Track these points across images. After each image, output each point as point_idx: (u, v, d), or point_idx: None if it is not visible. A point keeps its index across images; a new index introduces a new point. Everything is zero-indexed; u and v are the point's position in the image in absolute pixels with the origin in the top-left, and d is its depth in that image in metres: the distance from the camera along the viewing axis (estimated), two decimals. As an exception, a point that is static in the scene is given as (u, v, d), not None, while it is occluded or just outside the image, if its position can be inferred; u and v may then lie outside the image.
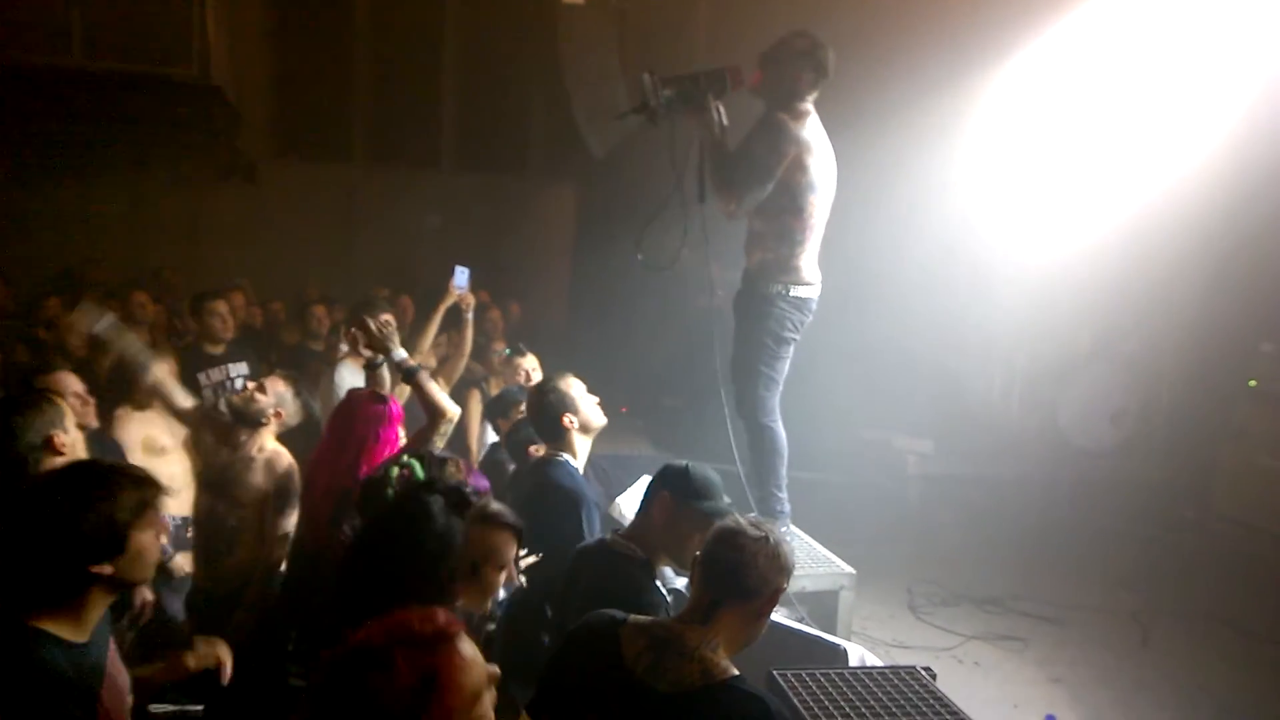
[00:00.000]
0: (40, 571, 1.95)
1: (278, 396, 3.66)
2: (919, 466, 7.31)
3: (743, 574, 2.11)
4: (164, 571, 3.84)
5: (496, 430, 4.65)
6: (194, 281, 7.47)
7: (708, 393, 4.22)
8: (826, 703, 2.66)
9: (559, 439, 3.48)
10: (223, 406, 3.94)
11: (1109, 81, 6.46)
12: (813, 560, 4.06)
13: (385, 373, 3.73)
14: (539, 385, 3.63)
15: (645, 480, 3.88)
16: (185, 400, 3.84)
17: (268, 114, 9.98)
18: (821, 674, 2.83)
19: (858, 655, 3.24)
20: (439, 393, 3.43)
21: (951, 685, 2.99)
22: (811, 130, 3.83)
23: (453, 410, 3.45)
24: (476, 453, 5.15)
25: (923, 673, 2.89)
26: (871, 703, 2.68)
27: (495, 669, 1.45)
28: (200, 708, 2.94)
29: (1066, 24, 6.33)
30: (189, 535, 3.91)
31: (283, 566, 3.59)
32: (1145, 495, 7.33)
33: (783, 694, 2.70)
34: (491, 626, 2.95)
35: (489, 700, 1.44)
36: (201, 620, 3.49)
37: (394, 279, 8.59)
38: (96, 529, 1.94)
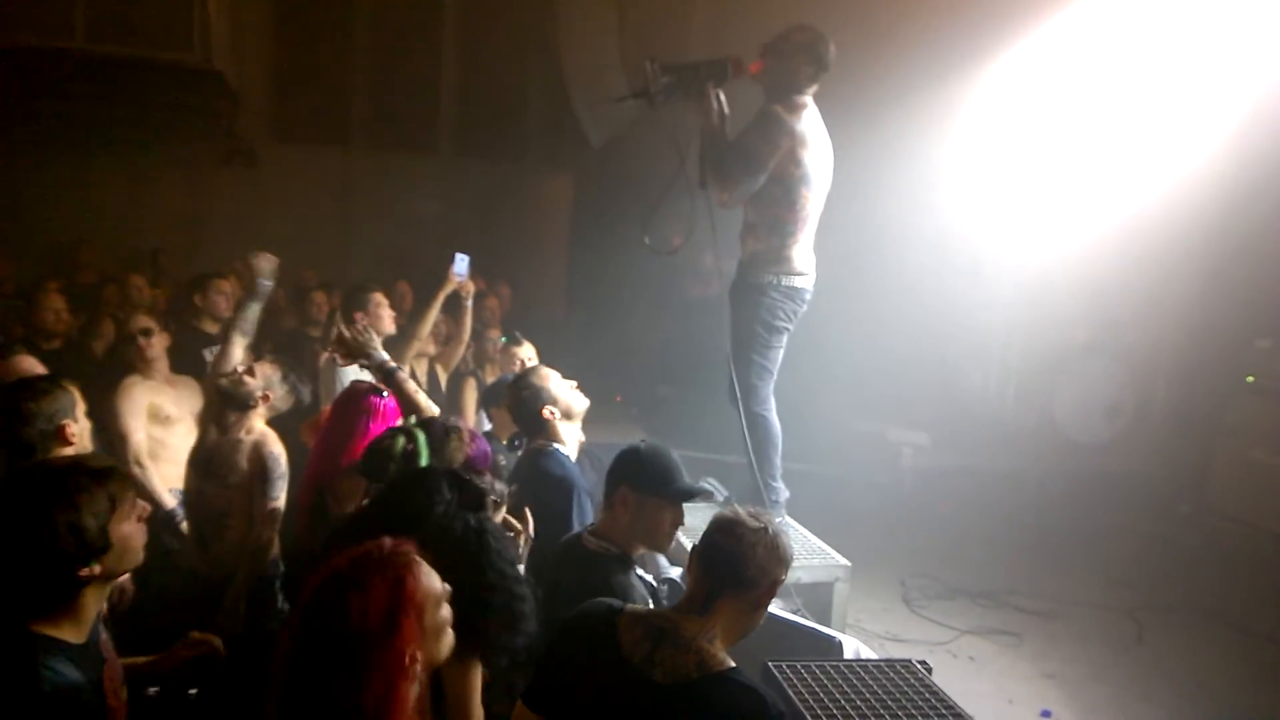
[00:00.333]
0: (31, 580, 1.94)
1: (266, 380, 3.65)
2: (914, 459, 7.31)
3: (741, 564, 2.10)
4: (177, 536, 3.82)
5: (490, 419, 4.65)
6: (192, 265, 7.45)
7: (702, 382, 4.22)
8: (821, 695, 2.66)
9: (544, 430, 3.48)
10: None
11: (1107, 77, 6.46)
12: (808, 552, 4.06)
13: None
14: (514, 383, 3.62)
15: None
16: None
17: (268, 99, 9.94)
18: (816, 666, 2.82)
19: (853, 648, 3.24)
20: (418, 393, 3.41)
21: (946, 679, 2.98)
22: (808, 123, 3.83)
23: (432, 411, 3.43)
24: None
25: (918, 666, 2.89)
26: (867, 695, 2.68)
27: (447, 585, 1.66)
28: (194, 690, 2.93)
29: (1066, 18, 6.31)
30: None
31: (275, 549, 3.58)
32: (1140, 490, 7.34)
33: (778, 686, 2.70)
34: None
35: (446, 610, 1.65)
36: (195, 601, 3.48)
37: (392, 264, 8.57)
38: (71, 539, 1.91)
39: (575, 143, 8.81)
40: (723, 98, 3.85)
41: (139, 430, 4.08)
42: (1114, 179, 6.71)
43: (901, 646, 4.98)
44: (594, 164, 9.03)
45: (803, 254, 3.94)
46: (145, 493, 3.83)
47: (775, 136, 3.77)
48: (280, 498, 3.58)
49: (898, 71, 6.49)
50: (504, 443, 4.37)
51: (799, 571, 3.86)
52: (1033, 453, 7.65)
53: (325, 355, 4.72)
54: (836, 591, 3.97)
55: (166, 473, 4.08)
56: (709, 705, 2.01)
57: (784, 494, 4.14)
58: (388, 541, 1.63)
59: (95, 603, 2.01)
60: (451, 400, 5.45)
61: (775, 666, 2.78)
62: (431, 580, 1.63)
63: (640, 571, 2.83)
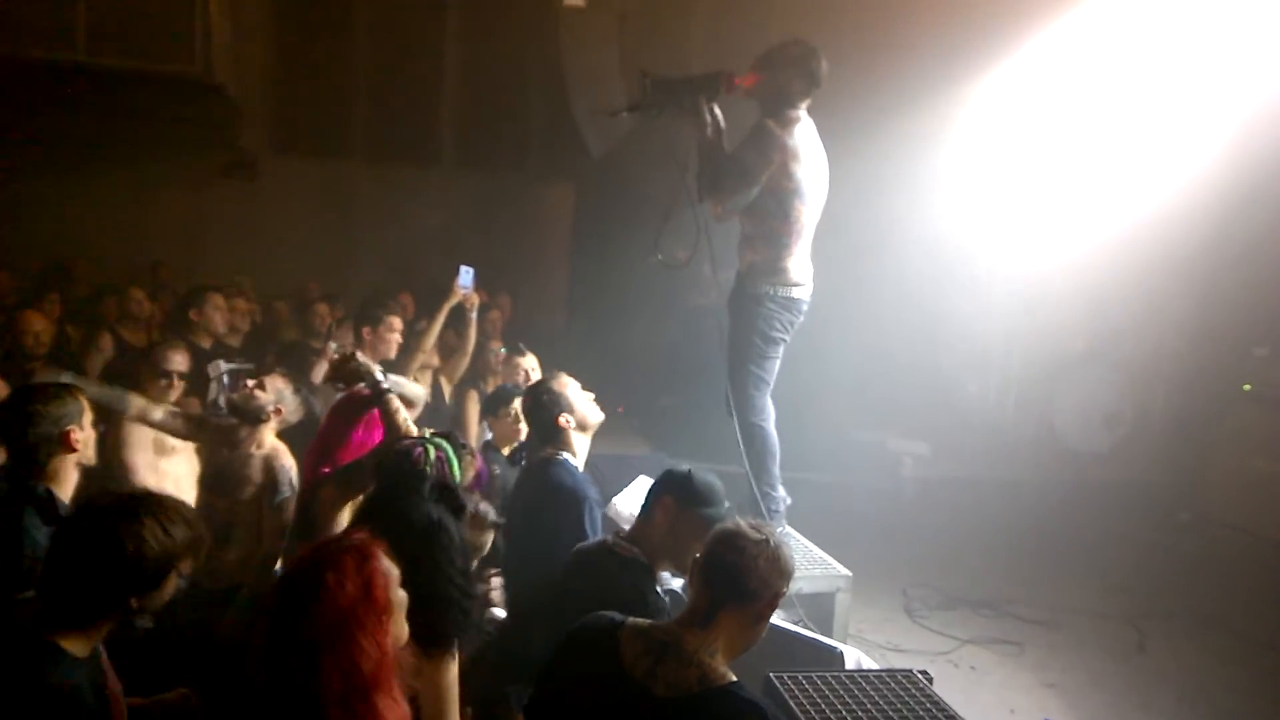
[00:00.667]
0: (81, 594, 1.99)
1: (277, 393, 3.68)
2: (914, 468, 7.32)
3: (743, 577, 2.10)
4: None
5: (490, 429, 4.67)
6: (193, 278, 7.47)
7: (704, 392, 4.24)
8: (823, 706, 2.67)
9: (557, 439, 3.49)
10: (222, 403, 3.93)
11: (1103, 85, 6.49)
12: (809, 562, 4.07)
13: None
14: (533, 387, 3.65)
15: (642, 480, 3.90)
16: (160, 414, 3.84)
17: (269, 111, 9.97)
18: (818, 677, 2.84)
19: (854, 658, 3.24)
20: (407, 422, 3.43)
21: (948, 689, 3.00)
22: (802, 137, 3.85)
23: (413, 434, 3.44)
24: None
25: (919, 676, 2.90)
26: (869, 706, 2.69)
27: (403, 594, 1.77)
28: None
29: (1063, 28, 6.35)
30: None
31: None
32: (1140, 498, 7.35)
33: (779, 697, 2.71)
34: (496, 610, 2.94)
35: (401, 592, 1.77)
36: (193, 615, 3.49)
37: (395, 276, 8.59)
38: (151, 566, 2.00)
39: (576, 152, 8.84)
40: (718, 112, 3.88)
41: (144, 465, 4.07)
42: (1111, 188, 6.74)
43: (903, 656, 4.97)
44: (595, 173, 9.06)
45: (799, 265, 3.96)
46: None
47: (767, 150, 3.80)
48: (289, 510, 3.58)
49: (895, 81, 6.53)
50: (503, 454, 4.40)
51: (800, 582, 3.86)
52: (1032, 461, 7.67)
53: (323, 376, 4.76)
54: (838, 601, 3.98)
55: None
56: (710, 719, 2.01)
57: (784, 502, 4.15)
58: (346, 531, 1.78)
59: (109, 628, 2.05)
60: (455, 412, 5.47)
61: (777, 678, 2.79)
62: (389, 561, 1.77)
63: (660, 586, 2.85)
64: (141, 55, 8.46)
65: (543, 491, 3.38)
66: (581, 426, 3.53)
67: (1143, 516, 7.14)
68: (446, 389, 5.67)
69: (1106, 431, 8.01)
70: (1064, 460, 7.77)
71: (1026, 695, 4.78)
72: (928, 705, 2.72)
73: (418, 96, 10.37)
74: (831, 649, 3.31)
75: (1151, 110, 6.49)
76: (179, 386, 4.21)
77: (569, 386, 3.54)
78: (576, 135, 8.40)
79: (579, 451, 3.52)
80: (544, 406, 3.48)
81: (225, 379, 5.05)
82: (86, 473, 2.98)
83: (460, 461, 2.83)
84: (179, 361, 4.19)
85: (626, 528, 3.16)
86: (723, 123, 3.91)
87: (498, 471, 4.34)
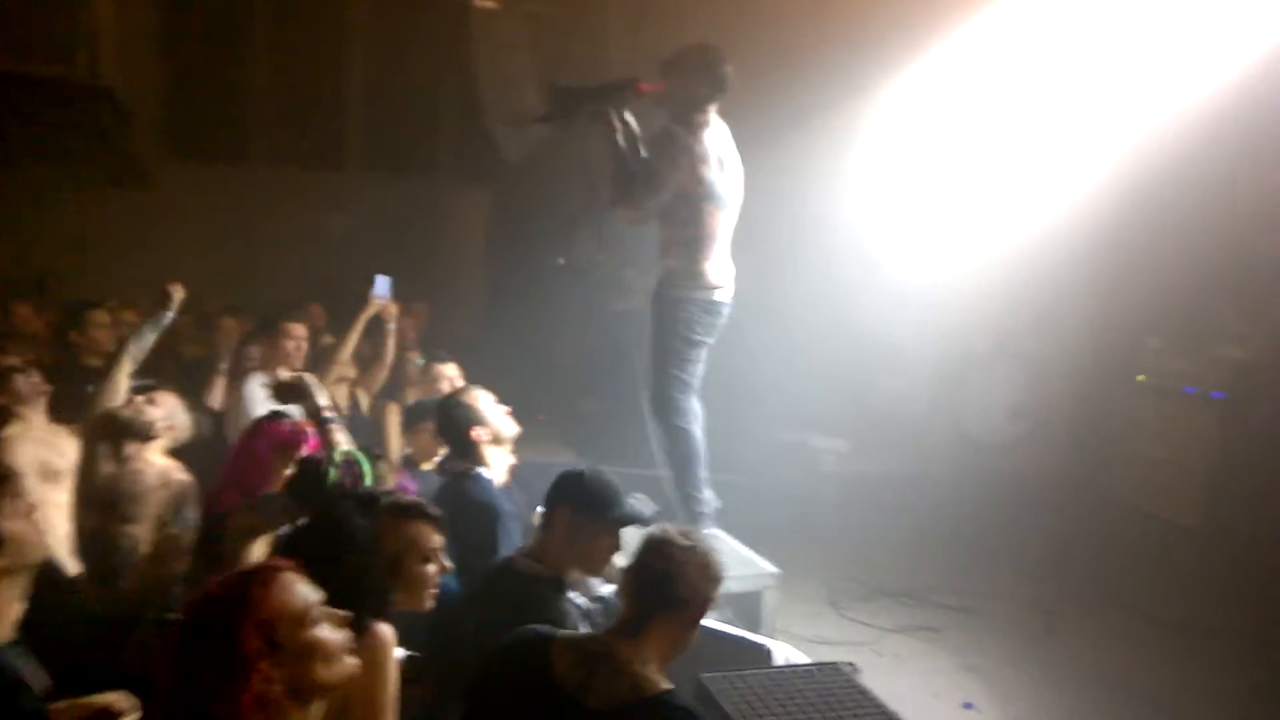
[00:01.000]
0: None
1: (170, 410, 3.59)
2: (835, 465, 7.45)
3: (673, 585, 2.10)
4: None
5: (409, 443, 4.58)
6: (84, 292, 7.09)
7: (626, 397, 4.24)
8: (755, 704, 2.68)
9: (470, 453, 3.43)
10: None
11: (1003, 92, 6.72)
12: (737, 561, 4.09)
13: None
14: (444, 400, 3.58)
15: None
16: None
17: (161, 115, 9.56)
18: (749, 675, 2.85)
19: (783, 654, 3.28)
20: (344, 445, 3.36)
21: (874, 678, 3.05)
22: (712, 141, 3.87)
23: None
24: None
25: (846, 668, 2.94)
26: (799, 700, 2.72)
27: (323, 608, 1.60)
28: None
29: (966, 34, 6.55)
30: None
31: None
32: (1045, 487, 7.62)
33: (712, 699, 2.70)
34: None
35: (324, 631, 1.57)
36: (97, 644, 3.31)
37: (302, 285, 8.32)
38: None
39: (490, 157, 8.74)
40: (629, 119, 3.88)
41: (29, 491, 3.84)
42: (1012, 189, 6.99)
43: (830, 649, 5.04)
44: (510, 178, 8.97)
45: (716, 268, 3.98)
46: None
47: (674, 155, 3.81)
48: (190, 530, 3.41)
49: (806, 87, 6.65)
50: (421, 469, 4.31)
51: (729, 582, 3.85)
52: (945, 455, 7.88)
53: (259, 389, 4.62)
54: (765, 599, 4.01)
55: (63, 533, 3.84)
56: (644, 728, 2.00)
57: (712, 504, 4.17)
58: (258, 562, 1.65)
59: (13, 597, 2.09)
60: (374, 426, 5.33)
61: (709, 679, 2.79)
62: (290, 596, 1.55)
63: (573, 595, 2.80)
64: (18, 57, 8.02)
65: (457, 508, 3.31)
66: (495, 440, 3.48)
67: (1049, 504, 7.41)
68: (364, 401, 5.52)
69: (1011, 424, 8.30)
70: (974, 453, 8.02)
71: (947, 679, 4.90)
72: (855, 695, 2.77)
73: (320, 98, 10.09)
74: (760, 646, 3.33)
75: (1047, 115, 6.75)
76: (37, 380, 3.96)
77: (481, 399, 3.49)
78: (490, 139, 8.31)
79: (495, 465, 3.47)
80: (455, 421, 3.41)
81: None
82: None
83: (374, 469, 2.77)
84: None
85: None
86: (636, 129, 3.91)
87: (417, 487, 4.25)
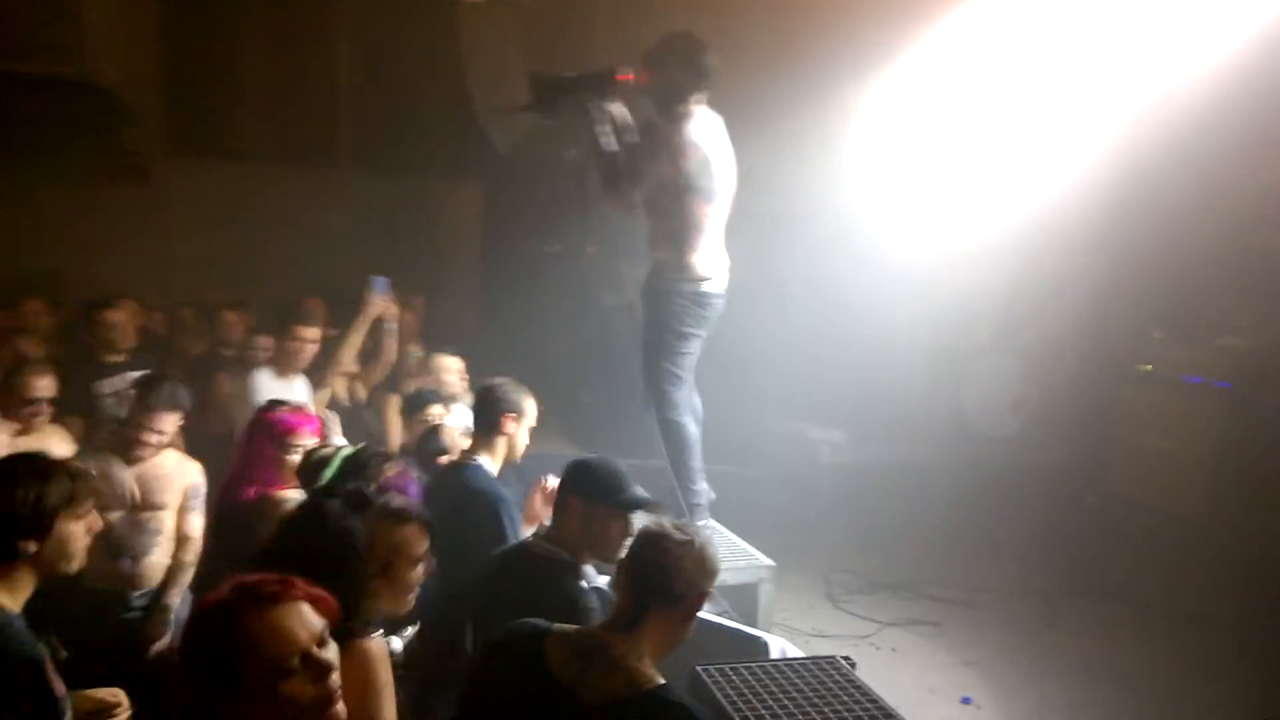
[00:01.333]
0: None
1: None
2: (831, 456, 7.44)
3: (669, 579, 2.09)
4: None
5: (407, 433, 4.58)
6: (87, 288, 7.10)
7: (623, 388, 4.24)
8: (750, 697, 2.68)
9: (487, 436, 3.44)
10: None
11: (1003, 78, 6.67)
12: (733, 554, 4.09)
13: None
14: (493, 380, 3.58)
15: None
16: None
17: (160, 112, 9.57)
18: (745, 668, 2.85)
19: (779, 647, 3.28)
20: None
21: (870, 672, 3.05)
22: (696, 132, 3.83)
23: None
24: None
25: (843, 662, 2.94)
26: (794, 694, 2.71)
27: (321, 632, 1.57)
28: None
29: (960, 20, 6.52)
30: None
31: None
32: (1046, 478, 7.60)
33: (707, 690, 2.70)
34: (409, 631, 2.88)
35: (327, 651, 1.55)
36: (120, 622, 3.55)
37: (300, 280, 8.32)
38: (24, 506, 2.16)
39: (483, 151, 8.72)
40: (613, 109, 3.84)
41: None
42: (1012, 180, 6.95)
43: (827, 642, 5.05)
44: (503, 171, 8.96)
45: (706, 259, 3.94)
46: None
47: (653, 147, 3.80)
48: (203, 516, 3.71)
49: (801, 73, 6.62)
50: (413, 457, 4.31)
51: (725, 574, 3.86)
52: (943, 446, 7.86)
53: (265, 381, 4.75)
54: (762, 592, 4.01)
55: None
56: (639, 722, 1.99)
57: (706, 496, 4.16)
58: (268, 579, 1.57)
59: (26, 584, 2.20)
60: (374, 416, 5.36)
61: (704, 670, 2.79)
62: (292, 625, 1.53)
63: (585, 581, 2.82)
64: (16, 57, 8.04)
65: (458, 497, 3.32)
66: (512, 445, 3.53)
67: (1049, 496, 7.38)
68: (364, 393, 5.54)
69: (1012, 416, 8.27)
70: (974, 444, 7.99)
71: (945, 674, 4.90)
72: (851, 690, 2.76)
73: (315, 95, 10.09)
74: (756, 639, 3.33)
75: (1051, 103, 6.70)
76: (46, 413, 3.97)
77: (530, 404, 3.53)
78: (481, 134, 8.30)
79: (497, 458, 3.48)
80: (496, 400, 3.45)
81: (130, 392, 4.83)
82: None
83: (369, 468, 2.82)
84: (45, 387, 3.94)
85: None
86: (626, 119, 3.87)
87: (416, 480, 4.25)
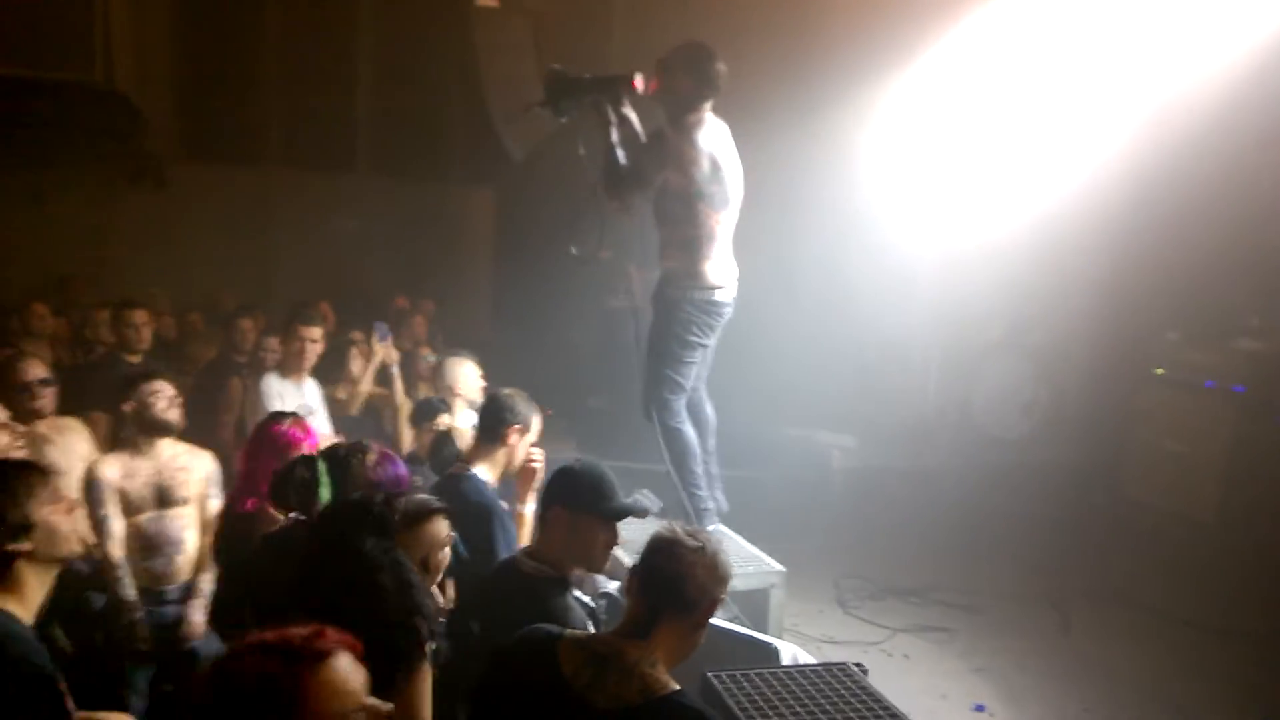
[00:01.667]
0: None
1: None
2: (842, 460, 7.43)
3: (681, 586, 2.09)
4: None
5: (415, 440, 4.61)
6: (102, 291, 7.16)
7: (631, 392, 4.25)
8: (762, 703, 2.68)
9: (489, 445, 3.45)
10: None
11: (1016, 79, 6.66)
12: (743, 559, 4.09)
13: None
14: (502, 390, 3.60)
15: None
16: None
17: (177, 117, 9.65)
18: (756, 674, 2.85)
19: (790, 654, 3.27)
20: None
21: (882, 679, 3.04)
22: (705, 140, 3.85)
23: None
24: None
25: (854, 669, 2.93)
26: (806, 701, 2.71)
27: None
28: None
29: (975, 21, 6.51)
30: None
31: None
32: (1058, 481, 7.56)
33: (717, 696, 2.71)
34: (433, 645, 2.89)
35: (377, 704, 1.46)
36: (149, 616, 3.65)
37: (313, 285, 8.38)
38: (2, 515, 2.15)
39: (496, 157, 8.76)
40: (626, 113, 3.86)
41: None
42: (1024, 181, 6.92)
43: (837, 648, 5.04)
44: (516, 178, 8.99)
45: (717, 268, 3.96)
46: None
47: (660, 154, 3.82)
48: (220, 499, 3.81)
49: (815, 77, 6.62)
50: (426, 466, 4.33)
51: (735, 579, 3.85)
52: (954, 449, 7.83)
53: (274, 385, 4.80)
54: (772, 597, 4.01)
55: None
56: (653, 728, 2.00)
57: (710, 501, 4.16)
58: (298, 634, 1.45)
59: (36, 586, 2.21)
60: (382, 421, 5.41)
61: (715, 676, 2.80)
62: (345, 679, 1.43)
63: (578, 593, 2.81)
64: (39, 64, 8.13)
65: (452, 508, 3.32)
66: (511, 455, 3.50)
67: (1061, 499, 7.35)
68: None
69: (1023, 418, 8.23)
70: (984, 447, 7.95)
71: (957, 681, 4.89)
72: (863, 697, 2.76)
73: (332, 102, 10.16)
74: (767, 645, 3.33)
75: (1064, 104, 6.68)
76: (48, 395, 4.00)
77: (535, 419, 3.52)
78: (496, 140, 8.33)
79: (495, 469, 3.48)
80: (501, 410, 3.45)
81: None
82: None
83: (350, 468, 2.84)
84: (38, 371, 3.99)
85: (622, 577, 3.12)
86: (636, 124, 3.89)
87: (420, 482, 4.27)
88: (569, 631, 2.18)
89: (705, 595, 2.12)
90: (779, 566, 4.05)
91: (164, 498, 3.72)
